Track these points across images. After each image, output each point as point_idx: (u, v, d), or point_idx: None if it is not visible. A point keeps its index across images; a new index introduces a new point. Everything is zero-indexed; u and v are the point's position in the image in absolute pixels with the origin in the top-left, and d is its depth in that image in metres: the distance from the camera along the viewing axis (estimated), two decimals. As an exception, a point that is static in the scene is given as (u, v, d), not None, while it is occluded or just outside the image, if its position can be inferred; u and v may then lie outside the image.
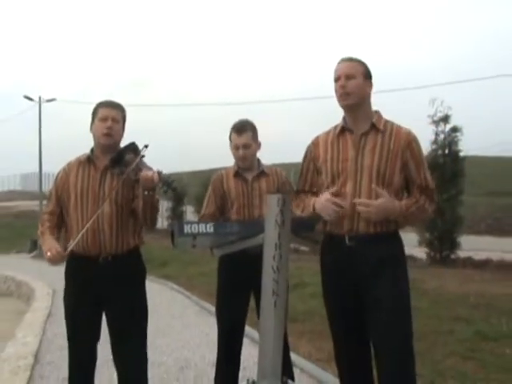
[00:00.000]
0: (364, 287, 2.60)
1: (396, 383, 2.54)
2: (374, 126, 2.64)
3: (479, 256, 11.32)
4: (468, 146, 12.25)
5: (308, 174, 2.82)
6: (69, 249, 2.80)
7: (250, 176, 3.47)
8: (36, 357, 4.93)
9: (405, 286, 2.62)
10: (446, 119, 11.81)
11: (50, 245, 2.81)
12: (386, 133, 2.64)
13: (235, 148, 3.45)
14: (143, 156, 2.80)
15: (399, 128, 2.67)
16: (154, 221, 2.92)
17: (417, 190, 2.66)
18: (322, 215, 2.64)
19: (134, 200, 2.88)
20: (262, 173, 3.49)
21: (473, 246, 12.20)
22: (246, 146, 3.42)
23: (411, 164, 2.63)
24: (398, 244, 2.67)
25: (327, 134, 2.77)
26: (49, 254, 2.76)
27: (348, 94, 2.62)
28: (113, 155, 2.84)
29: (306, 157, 2.83)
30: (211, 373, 3.81)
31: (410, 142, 2.63)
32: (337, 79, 2.66)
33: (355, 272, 2.60)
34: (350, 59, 2.69)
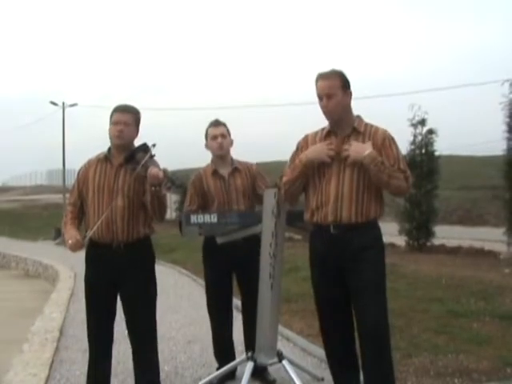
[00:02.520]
0: (346, 270, 2.64)
1: (374, 354, 2.58)
2: (355, 130, 2.70)
3: (451, 243, 11.33)
4: (442, 147, 12.22)
5: None
6: (87, 238, 2.84)
7: (225, 173, 3.46)
8: (61, 330, 4.95)
9: (382, 269, 2.67)
10: (423, 122, 11.81)
11: (71, 234, 2.87)
12: (366, 134, 2.69)
13: (213, 138, 3.44)
14: (153, 155, 2.81)
15: (377, 129, 2.72)
16: (162, 213, 2.93)
17: None
18: (315, 161, 2.65)
19: (144, 194, 2.89)
20: (236, 169, 3.48)
21: (446, 234, 12.19)
22: (223, 136, 3.44)
23: (385, 157, 2.63)
24: (377, 232, 2.71)
25: (315, 133, 2.82)
26: (70, 242, 2.82)
27: (330, 112, 2.66)
28: (125, 154, 2.87)
29: (296, 150, 2.86)
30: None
31: (384, 138, 2.68)
32: (319, 98, 2.68)
33: (339, 257, 2.64)
34: (328, 77, 2.66)
